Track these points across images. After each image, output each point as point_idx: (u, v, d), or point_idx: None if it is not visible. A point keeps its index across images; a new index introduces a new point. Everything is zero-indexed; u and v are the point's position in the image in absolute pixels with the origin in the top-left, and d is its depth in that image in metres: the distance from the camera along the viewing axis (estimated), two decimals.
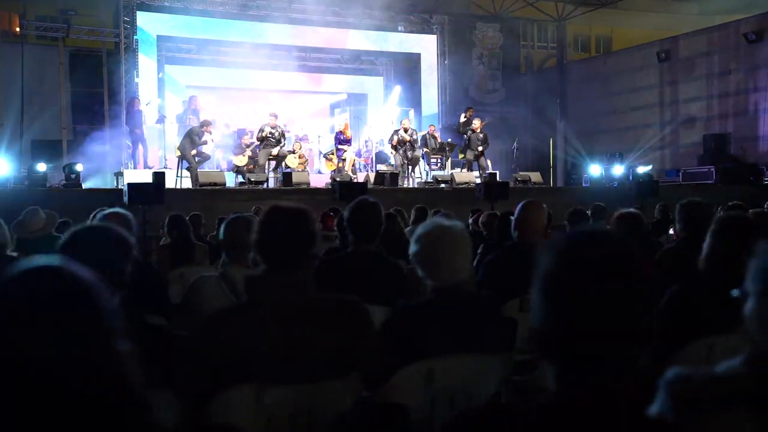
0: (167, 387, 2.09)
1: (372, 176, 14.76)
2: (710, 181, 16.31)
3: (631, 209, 6.16)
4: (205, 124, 13.85)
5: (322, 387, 2.25)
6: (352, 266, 3.68)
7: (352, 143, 15.99)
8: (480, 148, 15.00)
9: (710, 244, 2.79)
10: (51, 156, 16.13)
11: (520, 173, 15.32)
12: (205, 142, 13.64)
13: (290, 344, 2.19)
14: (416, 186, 14.89)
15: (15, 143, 16.73)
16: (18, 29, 17.98)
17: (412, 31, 19.65)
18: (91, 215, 3.89)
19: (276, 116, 14.47)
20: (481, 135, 14.99)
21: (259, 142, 14.16)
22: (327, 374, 2.24)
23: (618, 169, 16.11)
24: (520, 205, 4.07)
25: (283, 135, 14.21)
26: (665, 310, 2.77)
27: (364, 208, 3.72)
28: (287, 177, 13.07)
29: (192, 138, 13.40)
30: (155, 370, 2.10)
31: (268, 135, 13.82)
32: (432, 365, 2.44)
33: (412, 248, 2.77)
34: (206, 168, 14.35)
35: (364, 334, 2.34)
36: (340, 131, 15.45)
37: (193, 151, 13.28)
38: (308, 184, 13.24)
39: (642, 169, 15.91)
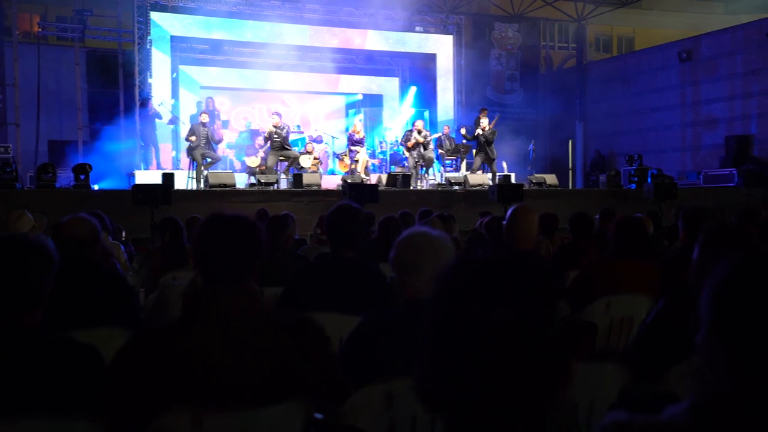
0: (95, 412, 1.94)
1: (384, 178, 14.58)
2: (732, 184, 15.95)
3: (638, 214, 5.95)
4: (202, 112, 13.72)
5: (268, 411, 2.08)
6: (328, 274, 3.52)
7: (365, 144, 15.85)
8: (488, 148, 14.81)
9: (698, 256, 2.58)
10: (66, 156, 16.24)
11: (535, 175, 15.06)
12: (203, 124, 13.38)
13: (231, 365, 2.02)
14: (429, 188, 14.69)
15: (31, 144, 16.83)
16: (38, 29, 18.11)
17: (428, 32, 19.46)
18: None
19: (279, 115, 14.25)
20: (489, 134, 14.75)
21: (266, 144, 14.07)
22: (273, 397, 2.06)
23: (637, 171, 15.80)
24: (509, 211, 3.88)
25: (287, 136, 14.02)
26: (650, 326, 2.57)
27: (343, 213, 3.56)
28: (297, 178, 12.94)
29: (190, 136, 13.32)
30: (80, 393, 1.96)
31: (273, 136, 13.68)
32: (392, 387, 2.26)
33: (391, 253, 2.61)
34: (218, 169, 14.28)
35: (315, 354, 2.17)
36: (353, 132, 15.30)
37: (202, 151, 13.17)
38: (319, 185, 13.10)
39: (661, 171, 15.60)
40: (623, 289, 3.77)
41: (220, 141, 14.16)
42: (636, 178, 15.46)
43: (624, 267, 3.92)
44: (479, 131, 14.78)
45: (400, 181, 13.51)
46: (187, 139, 13.47)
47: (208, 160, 13.28)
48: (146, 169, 15.21)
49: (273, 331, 2.09)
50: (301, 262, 4.69)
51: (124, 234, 8.26)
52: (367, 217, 8.75)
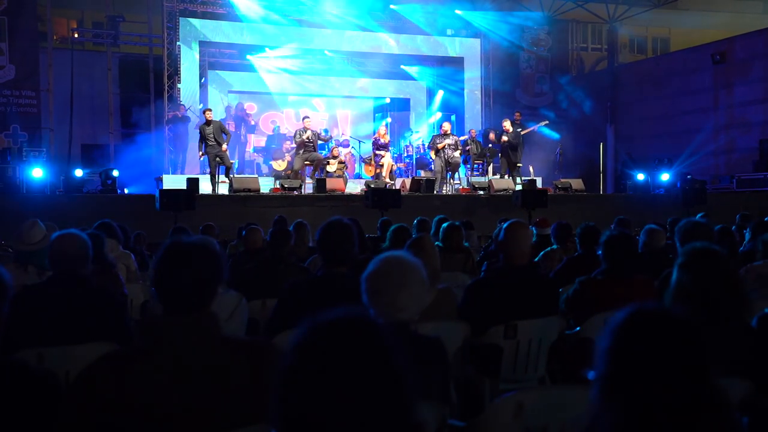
0: None
1: (408, 182, 14.56)
2: (766, 188, 15.61)
3: (651, 225, 5.87)
4: (205, 111, 13.62)
5: None
6: (318, 289, 3.52)
7: (391, 148, 15.85)
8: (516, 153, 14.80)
9: (677, 278, 2.54)
10: (99, 160, 16.52)
11: (561, 180, 14.91)
12: (208, 123, 13.15)
13: (191, 392, 2.03)
14: (453, 193, 14.63)
15: (64, 148, 17.18)
16: (76, 35, 18.49)
17: (458, 35, 19.37)
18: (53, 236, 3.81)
19: (309, 118, 14.35)
20: (512, 138, 14.73)
21: (295, 147, 14.14)
22: (234, 424, 2.08)
23: (666, 176, 15.55)
24: (503, 226, 3.85)
25: (318, 137, 14.09)
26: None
27: (333, 229, 3.56)
28: (321, 183, 12.99)
29: (200, 140, 13.31)
30: (34, 425, 1.98)
31: (305, 140, 13.76)
32: None
33: (363, 275, 2.62)
34: (245, 173, 14.41)
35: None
36: (378, 137, 15.33)
37: (216, 152, 13.18)
38: (342, 190, 13.14)
39: (692, 176, 15.32)
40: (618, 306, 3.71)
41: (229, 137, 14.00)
42: (665, 183, 15.22)
43: (617, 285, 3.87)
44: (504, 136, 14.77)
45: (423, 186, 13.49)
46: (200, 147, 13.52)
47: (223, 165, 13.31)
48: (174, 173, 15.40)
49: (232, 357, 2.10)
50: (302, 274, 4.70)
51: (147, 240, 8.36)
52: (385, 224, 8.78)
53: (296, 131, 14.03)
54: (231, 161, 13.94)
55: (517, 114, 16.88)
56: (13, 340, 2.90)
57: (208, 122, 13.23)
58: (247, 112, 17.28)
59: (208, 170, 13.89)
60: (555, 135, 18.47)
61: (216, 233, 7.46)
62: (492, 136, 16.13)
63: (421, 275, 2.57)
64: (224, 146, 13.19)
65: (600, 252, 4.02)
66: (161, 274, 2.05)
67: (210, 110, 13.67)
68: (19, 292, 3.11)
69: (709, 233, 3.85)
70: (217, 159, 13.16)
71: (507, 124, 14.88)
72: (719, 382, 1.20)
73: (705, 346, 1.22)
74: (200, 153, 13.34)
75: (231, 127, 15.32)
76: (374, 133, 16.76)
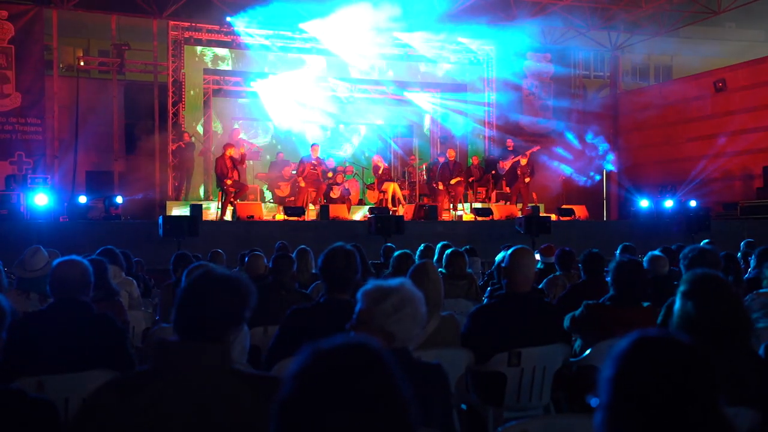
0: None
1: (412, 209, 14.57)
2: None
3: (655, 252, 5.85)
4: (227, 146, 13.51)
5: None
6: (320, 318, 3.51)
7: (393, 174, 15.91)
8: (527, 180, 14.80)
9: (680, 305, 2.52)
10: (103, 187, 16.57)
11: (564, 206, 14.92)
12: (231, 157, 13.10)
13: (193, 423, 2.00)
14: (456, 219, 14.63)
15: (69, 174, 17.22)
16: (82, 63, 18.61)
17: (460, 62, 19.47)
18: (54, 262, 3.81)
19: (317, 145, 14.46)
20: (522, 165, 14.77)
21: (299, 175, 14.18)
22: None
23: (669, 202, 15.56)
24: (508, 253, 3.83)
25: (324, 167, 14.17)
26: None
27: (336, 255, 3.55)
28: (324, 210, 13.00)
29: (215, 171, 13.22)
30: None
31: (308, 167, 13.82)
32: None
33: (357, 305, 2.61)
34: (248, 200, 14.42)
35: None
36: (374, 165, 15.42)
37: (228, 181, 13.13)
38: (346, 217, 13.15)
39: (695, 203, 15.33)
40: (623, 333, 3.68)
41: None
42: (669, 209, 15.21)
43: (624, 312, 3.84)
44: (513, 163, 14.84)
45: (427, 212, 13.49)
46: (219, 175, 13.43)
47: (236, 191, 13.30)
48: (177, 199, 15.44)
49: (239, 390, 2.07)
50: (304, 301, 4.68)
51: (145, 267, 8.36)
52: (388, 250, 8.78)
53: (300, 158, 14.10)
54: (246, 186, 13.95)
55: (509, 141, 16.93)
56: (14, 367, 2.89)
57: (231, 156, 13.12)
58: (250, 139, 17.36)
59: (212, 199, 13.87)
60: (556, 162, 18.51)
61: (223, 259, 7.45)
62: (500, 163, 16.18)
63: (419, 302, 2.55)
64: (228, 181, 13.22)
65: (608, 278, 4.00)
66: (187, 301, 2.06)
67: (233, 145, 13.58)
68: (20, 318, 3.10)
69: (716, 260, 3.83)
70: (233, 190, 13.07)
71: (523, 162, 14.98)
72: (726, 411, 1.18)
73: (712, 372, 1.20)
74: (225, 187, 13.12)
75: (235, 153, 15.36)
76: (387, 158, 16.84)
